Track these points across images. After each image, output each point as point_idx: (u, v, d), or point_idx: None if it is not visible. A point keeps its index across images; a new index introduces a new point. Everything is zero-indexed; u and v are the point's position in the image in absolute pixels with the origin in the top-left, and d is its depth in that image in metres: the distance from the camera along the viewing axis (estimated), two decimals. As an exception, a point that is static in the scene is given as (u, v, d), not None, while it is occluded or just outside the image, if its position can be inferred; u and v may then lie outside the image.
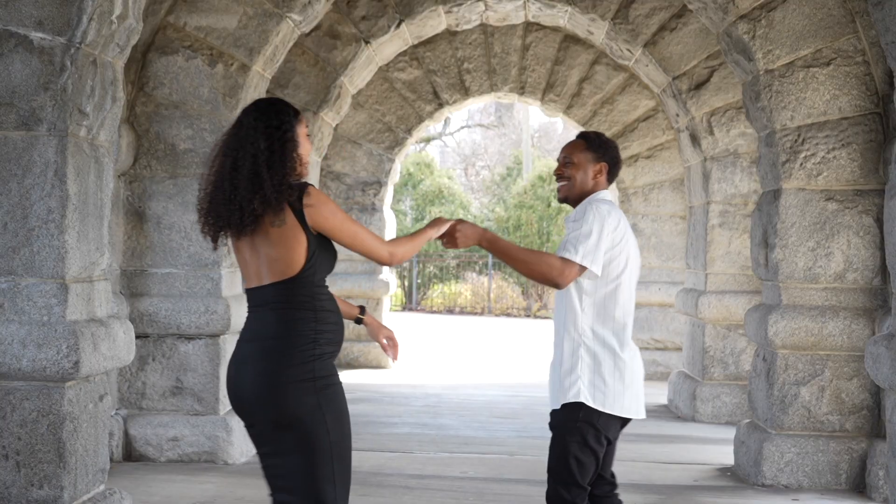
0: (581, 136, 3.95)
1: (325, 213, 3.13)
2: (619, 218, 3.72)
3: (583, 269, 3.60)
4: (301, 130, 3.23)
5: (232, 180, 3.10)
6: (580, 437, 3.66)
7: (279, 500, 3.17)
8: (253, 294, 3.19)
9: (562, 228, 23.54)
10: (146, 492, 5.62)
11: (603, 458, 3.76)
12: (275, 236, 3.09)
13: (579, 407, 3.67)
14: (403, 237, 3.37)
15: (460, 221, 3.58)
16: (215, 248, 3.29)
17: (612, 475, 3.88)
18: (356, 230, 3.23)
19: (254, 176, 3.07)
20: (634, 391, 3.73)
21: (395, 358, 3.55)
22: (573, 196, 3.84)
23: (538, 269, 3.61)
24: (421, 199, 25.88)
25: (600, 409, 3.65)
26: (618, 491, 3.89)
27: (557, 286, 3.62)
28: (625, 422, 3.77)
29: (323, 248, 3.18)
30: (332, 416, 3.11)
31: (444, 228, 3.52)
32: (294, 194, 3.09)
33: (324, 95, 9.14)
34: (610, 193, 3.89)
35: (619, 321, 3.71)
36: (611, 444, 3.76)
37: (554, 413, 3.77)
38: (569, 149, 3.90)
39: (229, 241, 3.23)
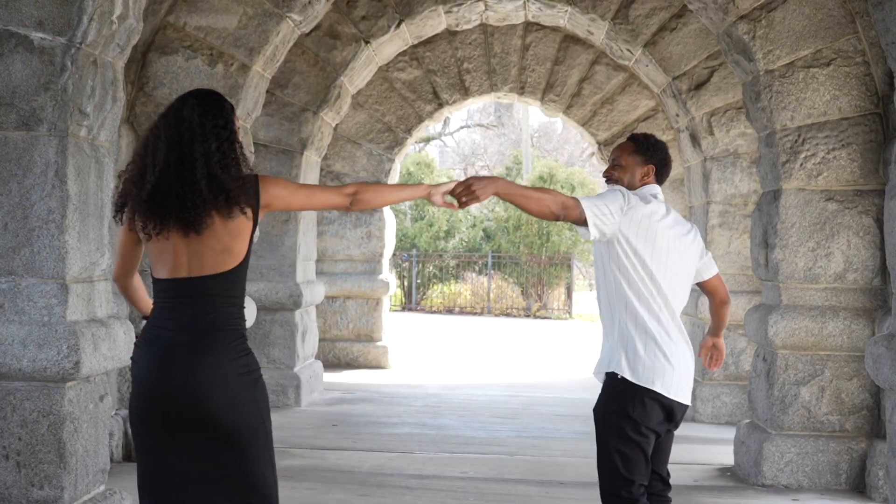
0: (630, 138, 4.04)
1: (278, 191, 3.13)
2: (642, 206, 3.73)
3: (582, 215, 3.63)
4: (238, 124, 3.21)
5: (179, 175, 3.01)
6: (619, 429, 3.69)
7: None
8: (178, 284, 3.05)
9: (561, 229, 23.54)
10: (146, 492, 5.60)
11: (657, 454, 3.80)
12: (232, 228, 3.04)
13: (614, 382, 3.72)
14: (377, 183, 3.33)
15: (475, 178, 3.54)
16: (121, 225, 3.16)
17: (668, 473, 3.90)
18: (308, 191, 3.26)
19: (209, 178, 3.01)
20: (671, 373, 3.71)
21: None
22: None
23: (545, 206, 3.64)
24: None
25: (631, 379, 3.67)
26: (671, 495, 3.91)
27: (557, 217, 3.65)
28: (668, 412, 3.74)
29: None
30: (265, 406, 3.13)
31: (441, 189, 3.45)
32: (252, 187, 3.08)
33: (324, 95, 9.13)
34: (657, 188, 3.93)
35: (647, 301, 3.72)
36: (660, 437, 3.76)
37: (596, 403, 3.81)
38: (618, 151, 3.99)
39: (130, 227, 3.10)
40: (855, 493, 5.96)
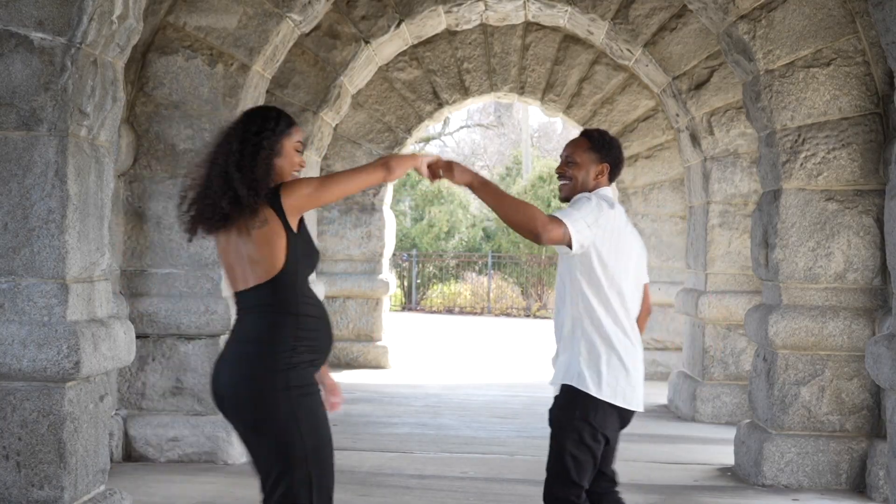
0: (584, 134, 3.90)
1: (301, 192, 3.13)
2: (610, 212, 3.67)
3: (566, 236, 3.52)
4: (287, 142, 3.22)
5: (209, 176, 3.16)
6: (577, 434, 3.66)
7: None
8: (239, 297, 3.21)
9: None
10: (146, 492, 5.61)
11: (604, 455, 3.76)
12: (257, 238, 3.09)
13: (575, 392, 3.66)
14: (391, 155, 3.36)
15: (459, 164, 3.50)
16: (190, 240, 3.31)
17: (614, 472, 3.88)
18: (339, 178, 3.20)
19: (224, 175, 3.11)
20: (632, 385, 3.70)
21: (331, 408, 3.39)
22: (575, 196, 3.83)
23: (523, 217, 3.50)
24: (420, 199, 25.87)
25: (595, 395, 3.63)
26: (618, 489, 3.89)
27: (538, 239, 3.49)
28: (623, 419, 3.75)
29: (304, 248, 3.18)
30: (307, 424, 3.12)
31: (427, 160, 3.44)
32: (271, 196, 3.11)
33: (323, 95, 9.13)
34: (611, 190, 3.86)
35: (613, 311, 3.67)
36: (609, 443, 3.75)
37: (552, 406, 3.76)
38: (571, 147, 3.86)
39: (215, 243, 3.27)
40: (855, 493, 5.96)
